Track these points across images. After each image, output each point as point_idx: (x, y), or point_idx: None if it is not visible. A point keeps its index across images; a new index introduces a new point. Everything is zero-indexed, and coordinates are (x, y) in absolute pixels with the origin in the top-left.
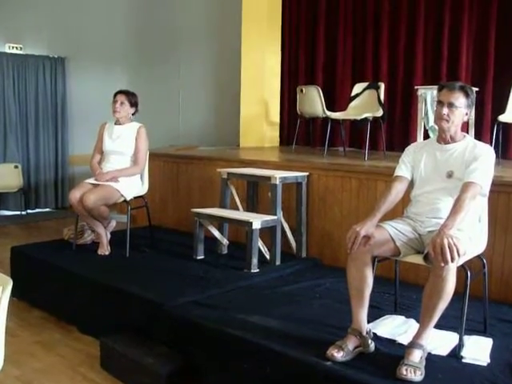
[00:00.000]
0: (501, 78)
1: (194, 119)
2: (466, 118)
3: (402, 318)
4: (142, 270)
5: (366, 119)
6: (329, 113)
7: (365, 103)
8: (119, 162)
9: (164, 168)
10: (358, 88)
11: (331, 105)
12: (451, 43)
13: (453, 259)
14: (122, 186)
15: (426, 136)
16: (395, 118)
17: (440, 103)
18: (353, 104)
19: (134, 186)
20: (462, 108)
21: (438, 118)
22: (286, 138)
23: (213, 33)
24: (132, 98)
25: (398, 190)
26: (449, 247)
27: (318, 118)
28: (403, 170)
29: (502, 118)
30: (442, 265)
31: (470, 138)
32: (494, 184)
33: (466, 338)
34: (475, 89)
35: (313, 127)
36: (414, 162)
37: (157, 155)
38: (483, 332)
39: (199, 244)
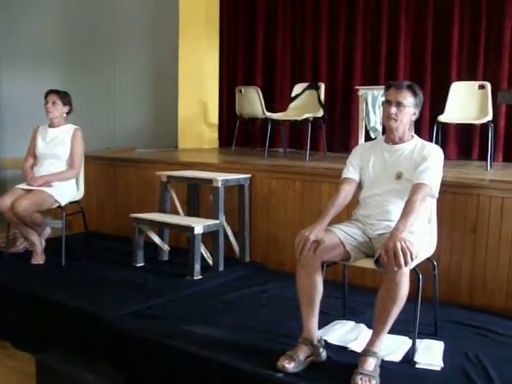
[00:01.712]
0: (438, 78)
1: (131, 121)
2: (414, 118)
3: (352, 323)
4: (79, 279)
5: (306, 120)
6: (268, 113)
7: (305, 104)
8: (54, 165)
9: (101, 171)
10: (298, 88)
11: (271, 105)
12: (389, 44)
13: (406, 263)
14: (55, 191)
15: (368, 136)
16: (335, 118)
17: (388, 102)
18: (293, 104)
19: (68, 191)
20: (410, 107)
21: (386, 117)
22: (225, 140)
23: (149, 33)
24: (64, 96)
25: (346, 193)
26: (402, 251)
27: (258, 119)
28: (351, 171)
29: (442, 118)
30: (396, 269)
31: (418, 138)
32: (442, 184)
33: (418, 341)
34: None
35: (252, 128)
36: (362, 164)
37: (93, 158)
38: (434, 335)
39: (139, 251)
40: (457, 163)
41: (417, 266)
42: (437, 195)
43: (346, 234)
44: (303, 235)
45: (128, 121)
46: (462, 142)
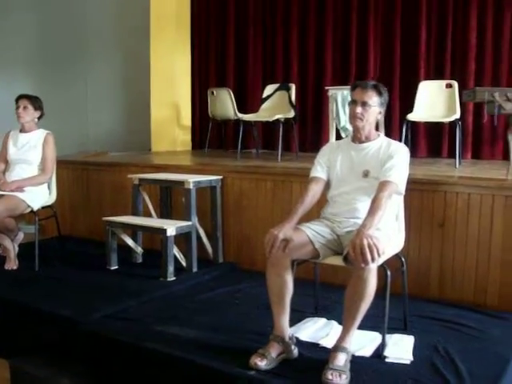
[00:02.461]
0: (407, 77)
1: (104, 124)
2: (379, 117)
3: (324, 320)
4: (53, 284)
5: (277, 120)
6: (240, 115)
7: (276, 104)
8: (25, 170)
9: (73, 176)
10: (269, 89)
11: (243, 107)
12: (359, 45)
13: (373, 259)
14: (27, 196)
15: (339, 136)
16: (307, 118)
17: (354, 102)
18: (264, 106)
19: (40, 196)
20: (376, 107)
21: (353, 116)
22: (198, 142)
23: (121, 36)
24: (35, 101)
25: (314, 192)
26: (369, 248)
27: (230, 121)
28: (319, 170)
29: (411, 116)
30: (363, 266)
31: (385, 136)
32: (410, 181)
33: (388, 336)
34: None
35: (225, 130)
36: (330, 163)
37: (65, 162)
38: (404, 329)
39: (112, 253)
40: (427, 161)
41: (385, 262)
42: (403, 192)
43: (315, 232)
44: (272, 234)
45: (101, 125)
46: (431, 141)
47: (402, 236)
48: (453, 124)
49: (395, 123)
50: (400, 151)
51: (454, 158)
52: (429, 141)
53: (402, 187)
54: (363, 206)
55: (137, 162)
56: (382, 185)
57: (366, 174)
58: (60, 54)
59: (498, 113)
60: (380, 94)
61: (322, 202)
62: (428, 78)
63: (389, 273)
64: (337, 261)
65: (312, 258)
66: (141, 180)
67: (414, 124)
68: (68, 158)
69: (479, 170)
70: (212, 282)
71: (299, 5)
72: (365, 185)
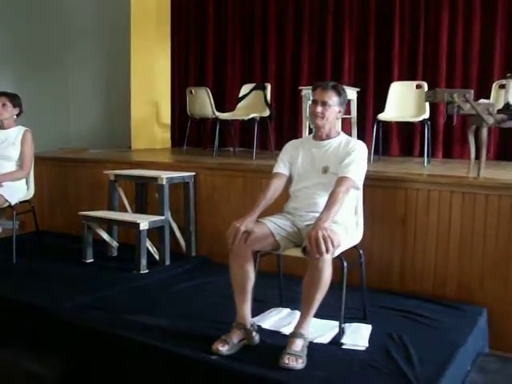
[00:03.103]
0: (381, 78)
1: (85, 122)
2: (339, 116)
3: (287, 310)
4: (29, 276)
5: (253, 119)
6: (218, 113)
7: (252, 104)
8: (3, 166)
9: (52, 171)
10: (245, 89)
11: (222, 106)
12: (334, 46)
13: (328, 251)
14: (5, 191)
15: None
16: (284, 117)
17: (314, 102)
18: (240, 105)
19: (18, 191)
20: (335, 106)
21: (313, 115)
22: (177, 140)
23: (101, 34)
24: (14, 98)
25: (275, 187)
26: (323, 239)
27: (209, 119)
28: (281, 167)
29: (381, 116)
30: (318, 256)
31: (344, 134)
32: (374, 178)
33: (347, 325)
34: (357, 89)
35: (204, 128)
36: (292, 159)
37: (44, 159)
38: (363, 319)
39: (88, 247)
40: (398, 160)
41: (342, 253)
42: (360, 187)
43: (276, 225)
44: (234, 226)
45: (81, 122)
46: (403, 140)
47: (360, 229)
48: (422, 124)
49: (369, 123)
50: (358, 148)
51: (428, 156)
52: (401, 140)
53: (360, 182)
54: (322, 200)
55: (113, 159)
56: (340, 180)
57: (325, 170)
58: (41, 52)
59: (456, 113)
60: (339, 94)
61: (285, 197)
62: (401, 79)
63: (345, 264)
64: (296, 252)
65: (273, 250)
66: (116, 176)
67: (387, 124)
68: (47, 154)
69: (446, 168)
70: (184, 275)
71: (277, 6)
72: (324, 180)
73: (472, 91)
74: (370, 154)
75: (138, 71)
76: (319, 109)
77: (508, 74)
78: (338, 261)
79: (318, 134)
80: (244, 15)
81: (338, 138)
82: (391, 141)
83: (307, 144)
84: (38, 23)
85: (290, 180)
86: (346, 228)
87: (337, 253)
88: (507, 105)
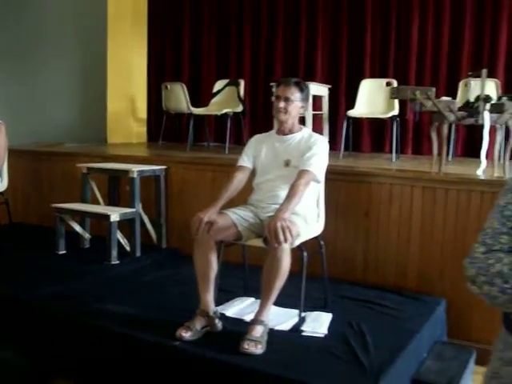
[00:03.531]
0: (353, 76)
1: (61, 116)
2: (302, 111)
3: (252, 299)
4: (1, 266)
5: (226, 114)
6: (193, 109)
7: (225, 99)
8: None
9: (26, 165)
10: (219, 85)
11: (197, 101)
12: (307, 43)
13: (286, 240)
14: None
15: None
16: (257, 113)
17: (277, 98)
18: (214, 100)
19: None
20: (298, 101)
21: (276, 111)
22: (153, 134)
23: (77, 28)
24: None
25: (239, 179)
26: (282, 229)
27: (184, 114)
28: (245, 160)
29: (351, 112)
30: (277, 246)
31: (307, 129)
32: (339, 173)
33: (308, 314)
34: (328, 86)
35: (180, 123)
36: (256, 153)
37: (19, 152)
38: (324, 308)
39: (61, 239)
40: (368, 155)
41: (303, 244)
42: (321, 180)
43: (239, 217)
44: (198, 217)
45: (58, 116)
46: (374, 136)
47: (321, 221)
48: (392, 120)
49: (341, 120)
50: (319, 143)
51: (396, 152)
52: (372, 136)
53: (320, 176)
54: (284, 192)
55: (87, 153)
56: (301, 173)
57: (287, 164)
58: (17, 46)
59: (419, 110)
60: (302, 90)
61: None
62: (372, 76)
63: (305, 254)
64: (258, 242)
65: (236, 240)
66: (89, 169)
67: (358, 120)
68: (21, 147)
69: (413, 164)
70: (154, 266)
71: (252, 4)
72: (286, 173)
73: (434, 89)
74: (339, 149)
75: (114, 66)
76: (282, 104)
77: (469, 73)
78: (299, 251)
79: (281, 129)
80: (219, 12)
81: (300, 132)
82: (362, 137)
83: (271, 138)
84: (15, 16)
85: (253, 173)
86: (307, 219)
87: (297, 243)
88: (468, 102)
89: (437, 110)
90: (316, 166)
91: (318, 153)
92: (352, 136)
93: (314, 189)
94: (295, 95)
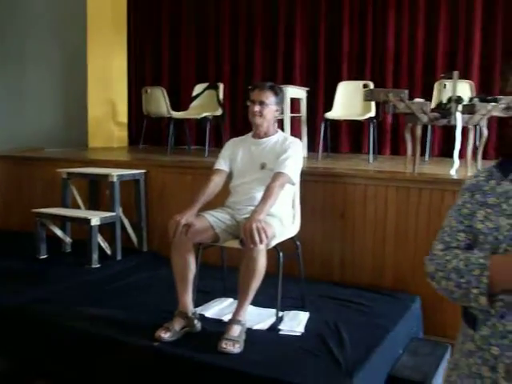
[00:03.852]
0: (331, 78)
1: (42, 121)
2: (277, 114)
3: (230, 300)
4: None
5: (206, 118)
6: (173, 112)
7: (205, 103)
8: None
9: (6, 170)
10: (198, 88)
11: (178, 105)
12: (286, 46)
13: (261, 241)
14: None
15: None
16: (237, 116)
17: (253, 102)
18: (194, 104)
19: None
20: (273, 105)
21: (252, 115)
22: (134, 138)
23: (58, 34)
24: None
25: (215, 182)
26: (257, 231)
27: (164, 118)
28: (221, 163)
29: (329, 115)
30: (252, 246)
31: (282, 132)
32: (316, 174)
33: (286, 313)
34: (306, 88)
35: (161, 127)
36: (232, 156)
37: None
38: (302, 307)
39: (42, 244)
40: (346, 157)
41: (279, 245)
42: (296, 182)
43: (216, 219)
44: (175, 220)
45: (38, 121)
46: (352, 138)
47: (297, 222)
48: (368, 122)
49: (319, 122)
50: (294, 145)
51: (373, 153)
52: (350, 138)
53: (295, 178)
54: (260, 195)
55: (68, 157)
56: (276, 175)
57: (263, 166)
58: None
59: (392, 111)
60: (276, 93)
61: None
62: (350, 78)
63: (281, 254)
64: (234, 243)
65: (213, 242)
66: (69, 174)
67: (337, 122)
68: (1, 152)
69: (390, 164)
70: (134, 269)
71: (230, 7)
72: (262, 176)
73: (406, 91)
74: (318, 151)
75: (94, 71)
76: (257, 108)
77: (442, 75)
78: (275, 252)
79: (256, 132)
80: (198, 17)
81: (275, 135)
82: (341, 138)
83: (247, 142)
84: None
85: (230, 176)
86: (282, 221)
87: (273, 244)
88: (440, 103)
89: (410, 111)
90: (291, 168)
91: (292, 155)
92: (331, 138)
93: (290, 190)
94: (270, 99)
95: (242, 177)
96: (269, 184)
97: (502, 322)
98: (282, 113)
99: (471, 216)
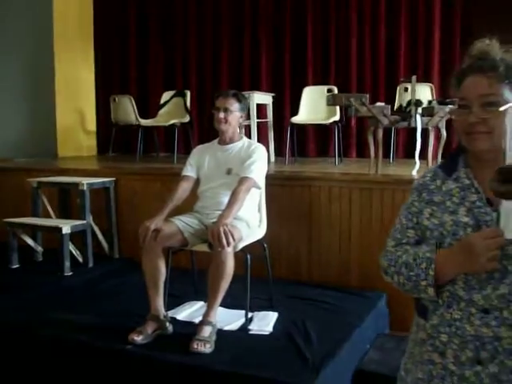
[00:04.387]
0: (296, 83)
1: (9, 131)
2: (241, 120)
3: (201, 302)
4: None
5: (173, 125)
6: (141, 120)
7: (172, 110)
8: None
9: None
10: (166, 96)
11: (146, 112)
12: (252, 53)
13: (228, 244)
14: None
15: None
16: (204, 122)
17: (217, 109)
18: (162, 111)
19: None
20: (237, 112)
21: (217, 121)
22: (103, 146)
23: (24, 44)
24: None
25: (183, 188)
26: (224, 234)
27: (133, 126)
28: (189, 170)
29: (294, 119)
30: (220, 249)
31: (246, 138)
32: (282, 178)
33: (255, 314)
34: (272, 94)
35: (130, 135)
36: (199, 163)
37: None
38: (270, 308)
39: (13, 253)
40: (313, 160)
41: (246, 247)
42: (261, 186)
43: (184, 224)
44: (145, 225)
45: (7, 131)
46: (319, 142)
47: (263, 225)
48: (334, 126)
49: (286, 127)
50: (258, 151)
51: (340, 156)
52: (317, 142)
53: (260, 182)
54: (227, 199)
55: (37, 167)
56: (241, 180)
57: (229, 172)
58: None
59: (354, 115)
60: (240, 100)
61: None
62: (316, 83)
63: (249, 256)
64: (203, 247)
65: (182, 246)
66: (39, 183)
67: (304, 126)
68: None
69: (355, 167)
70: (106, 275)
71: (197, 15)
72: (228, 181)
73: (367, 95)
74: (285, 155)
75: (62, 80)
76: (222, 115)
77: (401, 79)
78: (243, 254)
79: (222, 139)
80: (165, 25)
81: (240, 141)
82: (308, 142)
83: (213, 148)
84: None
85: (198, 182)
86: (249, 224)
87: (240, 246)
88: (401, 106)
89: (371, 115)
90: (256, 172)
91: (257, 160)
92: (298, 142)
93: (256, 194)
94: (234, 106)
95: (208, 182)
96: (235, 188)
97: (448, 312)
98: (248, 119)
99: (419, 214)
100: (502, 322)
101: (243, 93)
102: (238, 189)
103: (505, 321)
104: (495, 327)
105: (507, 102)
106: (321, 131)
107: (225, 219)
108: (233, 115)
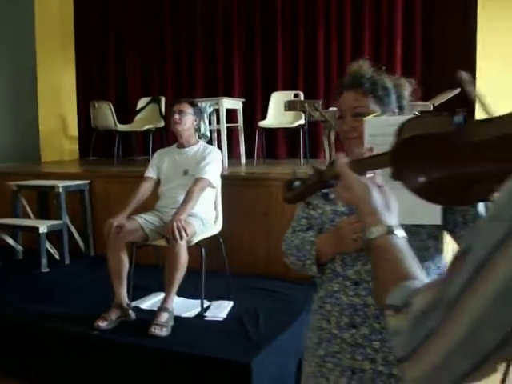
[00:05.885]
0: (267, 89)
1: None
2: (195, 124)
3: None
4: None
5: (148, 130)
6: (119, 125)
7: (148, 116)
8: None
9: None
10: (142, 102)
11: (124, 118)
12: (225, 60)
13: (181, 238)
14: None
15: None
16: None
17: (173, 112)
18: (138, 117)
19: None
20: (191, 115)
21: (173, 123)
22: (85, 151)
23: (7, 51)
24: None
25: (145, 189)
26: (178, 229)
27: (112, 131)
28: (150, 171)
29: (262, 123)
30: (174, 242)
31: (203, 142)
32: (243, 179)
33: (212, 303)
34: (242, 99)
35: (109, 139)
36: (159, 164)
37: None
38: (227, 298)
39: None
40: (281, 162)
41: (201, 241)
42: (216, 186)
43: (145, 221)
44: (109, 222)
45: None
46: (288, 144)
47: (219, 221)
48: (299, 129)
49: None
50: (213, 153)
51: (310, 158)
52: (286, 144)
53: (215, 182)
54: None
55: (18, 171)
56: (196, 180)
57: (185, 173)
58: None
59: (308, 120)
60: (193, 105)
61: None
62: (285, 88)
63: (203, 250)
64: (162, 242)
65: (143, 241)
66: (19, 186)
67: (274, 130)
68: None
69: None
70: (81, 271)
71: (172, 24)
72: (185, 182)
73: (320, 101)
74: (253, 157)
75: (44, 86)
76: (177, 116)
77: None
78: (199, 248)
79: (180, 142)
80: (143, 32)
81: (196, 145)
82: (278, 145)
83: (172, 151)
84: None
85: (158, 182)
86: (203, 220)
87: (195, 240)
88: None
89: (324, 119)
90: (210, 173)
91: (211, 162)
92: (269, 145)
93: (211, 193)
94: (188, 110)
95: (167, 183)
96: (189, 188)
97: (330, 285)
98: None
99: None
100: (369, 292)
101: (215, 98)
102: (192, 188)
103: (372, 291)
104: (364, 296)
105: (373, 112)
106: (289, 134)
107: (179, 215)
108: (187, 117)
